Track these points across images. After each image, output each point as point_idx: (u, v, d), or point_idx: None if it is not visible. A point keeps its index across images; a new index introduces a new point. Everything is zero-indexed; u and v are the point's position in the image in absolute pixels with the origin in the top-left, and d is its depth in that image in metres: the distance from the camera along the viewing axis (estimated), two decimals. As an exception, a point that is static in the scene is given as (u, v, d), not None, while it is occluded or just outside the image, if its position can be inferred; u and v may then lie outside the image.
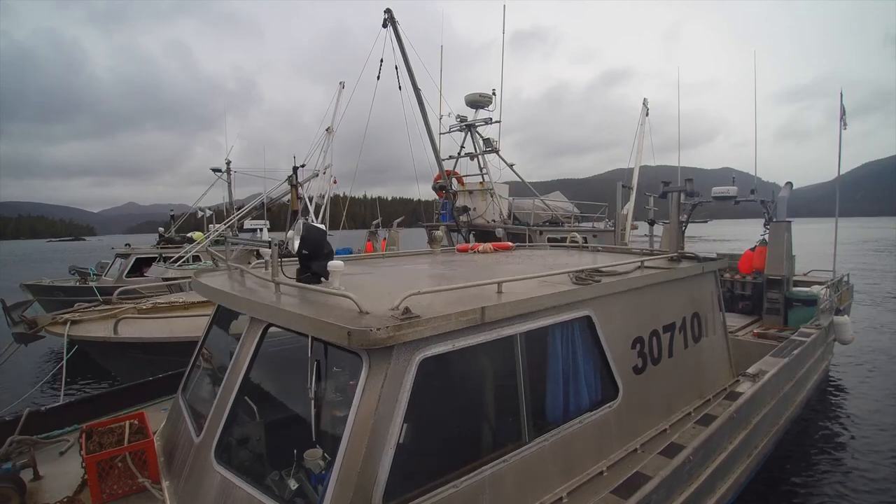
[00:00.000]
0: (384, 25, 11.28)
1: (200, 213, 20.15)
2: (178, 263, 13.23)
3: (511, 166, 13.17)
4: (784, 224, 9.99)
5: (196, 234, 18.13)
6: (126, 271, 15.02)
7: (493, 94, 12.66)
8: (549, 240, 11.44)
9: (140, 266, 15.36)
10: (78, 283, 15.15)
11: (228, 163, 21.99)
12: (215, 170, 22.04)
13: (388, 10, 11.27)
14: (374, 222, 22.47)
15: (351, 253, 22.18)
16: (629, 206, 13.02)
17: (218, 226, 18.25)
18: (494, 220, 11.99)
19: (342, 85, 17.29)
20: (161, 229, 20.58)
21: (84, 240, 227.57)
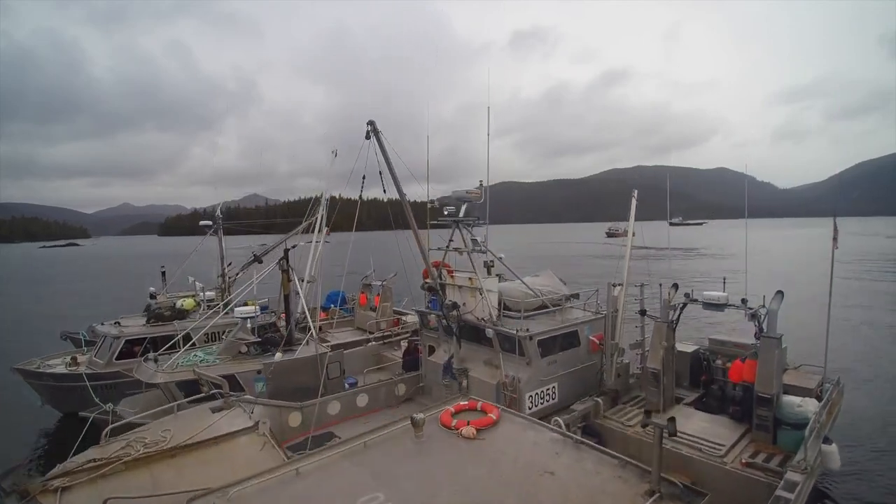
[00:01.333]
0: (367, 137, 11.44)
1: (191, 279, 20.17)
2: (171, 361, 13.06)
3: (500, 259, 13.21)
4: (775, 341, 9.96)
5: (187, 303, 18.10)
6: (116, 354, 15.01)
7: (480, 184, 12.74)
8: (540, 343, 11.43)
9: (132, 346, 15.33)
10: (68, 368, 15.15)
11: (219, 217, 21.91)
12: (205, 224, 22.02)
13: (370, 122, 11.43)
14: (368, 273, 22.45)
15: (344, 300, 22.31)
16: (621, 291, 12.94)
17: (210, 297, 18.22)
18: (484, 320, 12.02)
19: (335, 153, 17.32)
20: (152, 289, 20.52)
21: (77, 244, 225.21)
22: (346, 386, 13.70)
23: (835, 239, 10.25)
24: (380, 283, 20.81)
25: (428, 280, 12.46)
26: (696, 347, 13.21)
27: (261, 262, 19.61)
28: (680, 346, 12.83)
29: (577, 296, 14.05)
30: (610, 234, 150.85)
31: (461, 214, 12.25)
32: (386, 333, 18.99)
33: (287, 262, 14.19)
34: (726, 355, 12.66)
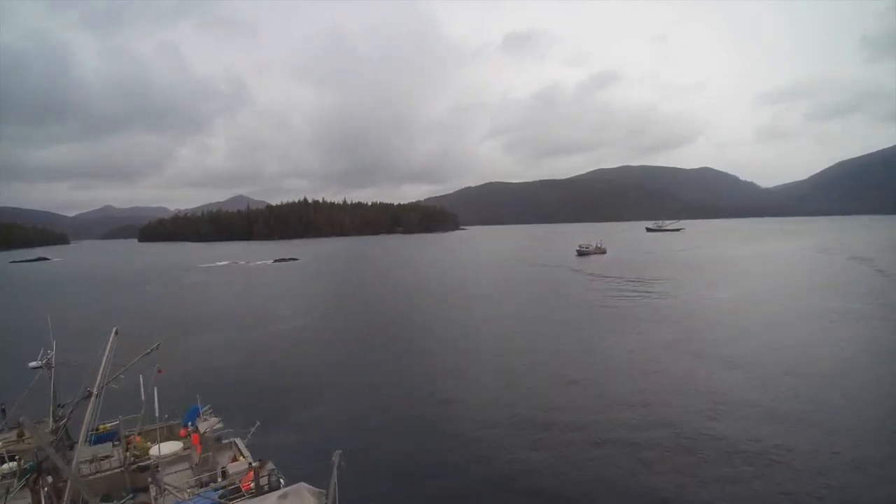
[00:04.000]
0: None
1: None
2: None
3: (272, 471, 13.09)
4: None
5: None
6: None
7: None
8: None
9: None
10: None
11: (48, 359, 20.98)
12: (34, 367, 21.10)
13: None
14: (205, 408, 21.22)
15: (198, 414, 21.43)
16: None
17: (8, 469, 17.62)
18: None
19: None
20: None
21: (47, 259, 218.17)
22: None
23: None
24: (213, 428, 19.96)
25: None
26: None
27: (97, 395, 19.03)
28: None
29: None
30: (581, 253, 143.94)
31: None
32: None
33: (40, 476, 13.73)
34: None
